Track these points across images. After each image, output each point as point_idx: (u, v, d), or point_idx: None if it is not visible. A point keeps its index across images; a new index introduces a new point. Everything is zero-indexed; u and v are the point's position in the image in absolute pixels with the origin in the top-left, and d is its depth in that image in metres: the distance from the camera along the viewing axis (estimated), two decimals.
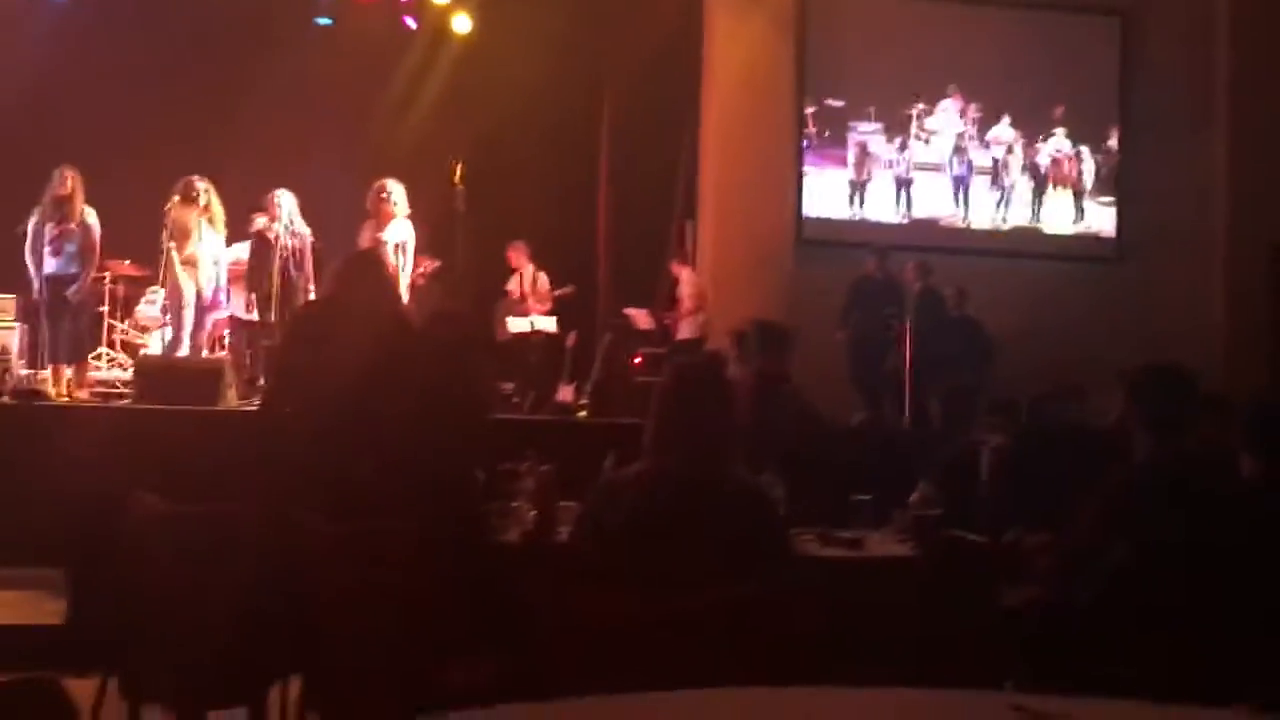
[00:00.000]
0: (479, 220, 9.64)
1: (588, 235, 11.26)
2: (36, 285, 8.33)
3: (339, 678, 3.11)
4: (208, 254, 8.67)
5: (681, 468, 2.82)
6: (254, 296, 8.89)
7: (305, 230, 8.76)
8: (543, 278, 10.29)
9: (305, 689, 3.27)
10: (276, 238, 8.70)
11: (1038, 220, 11.63)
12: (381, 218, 8.45)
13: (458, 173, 9.69)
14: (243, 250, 9.13)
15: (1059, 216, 11.67)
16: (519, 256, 10.33)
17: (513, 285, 10.35)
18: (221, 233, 8.82)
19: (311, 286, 8.70)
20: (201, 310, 8.73)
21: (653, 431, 2.91)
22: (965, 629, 3.11)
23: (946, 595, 3.08)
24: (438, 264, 9.99)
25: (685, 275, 10.50)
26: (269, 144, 11.53)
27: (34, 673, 1.31)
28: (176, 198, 8.73)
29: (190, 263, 8.62)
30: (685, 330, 10.30)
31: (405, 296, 8.49)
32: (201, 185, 8.74)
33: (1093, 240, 11.65)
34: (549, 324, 10.15)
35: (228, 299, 9.13)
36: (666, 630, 2.14)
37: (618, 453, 4.23)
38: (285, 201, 8.74)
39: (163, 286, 9.19)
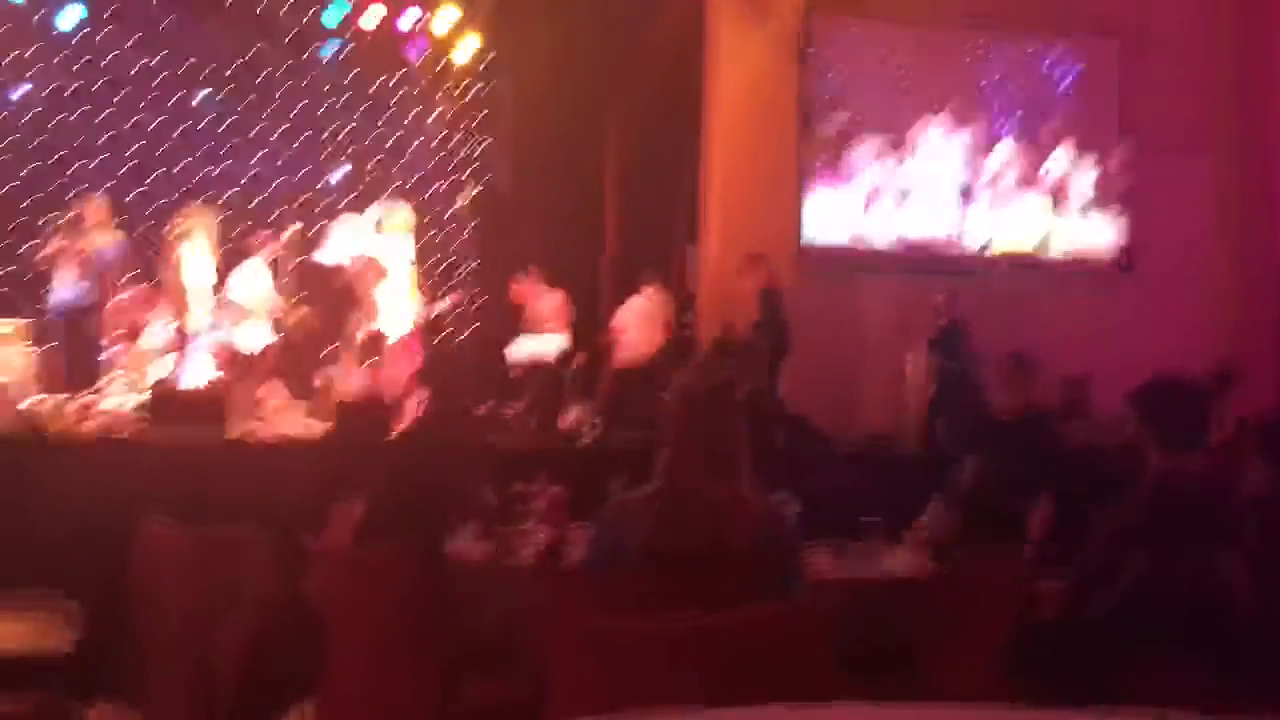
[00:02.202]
0: (487, 248, 9.67)
1: (593, 258, 11.28)
2: (52, 312, 8.36)
3: (351, 700, 3.11)
4: (205, 281, 8.71)
5: (693, 488, 2.82)
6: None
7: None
8: (552, 298, 10.22)
9: (318, 712, 3.26)
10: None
11: (1040, 240, 11.65)
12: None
13: (463, 198, 9.73)
14: (250, 277, 9.15)
15: (1061, 235, 11.69)
16: (527, 289, 10.26)
17: (525, 313, 10.31)
18: (213, 260, 8.86)
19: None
20: (209, 337, 8.77)
21: (666, 452, 2.91)
22: (980, 646, 3.10)
23: (961, 613, 3.07)
24: (447, 304, 9.97)
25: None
26: (274, 172, 11.61)
27: (46, 700, 1.31)
28: (181, 226, 8.79)
29: (197, 289, 8.67)
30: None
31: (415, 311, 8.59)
32: (200, 214, 8.80)
33: (1096, 258, 11.67)
34: (559, 344, 10.12)
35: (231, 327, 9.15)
36: (680, 650, 2.13)
37: (628, 474, 4.24)
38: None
39: (168, 315, 9.23)
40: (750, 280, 9.69)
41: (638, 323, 9.99)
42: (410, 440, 4.35)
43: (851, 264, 10.85)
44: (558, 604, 2.92)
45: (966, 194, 11.55)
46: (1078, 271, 11.46)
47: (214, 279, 8.79)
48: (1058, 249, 11.62)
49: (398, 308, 8.55)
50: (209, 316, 8.91)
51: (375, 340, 8.65)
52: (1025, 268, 11.33)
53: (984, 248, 11.46)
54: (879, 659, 3.18)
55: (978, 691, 3.01)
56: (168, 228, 9.71)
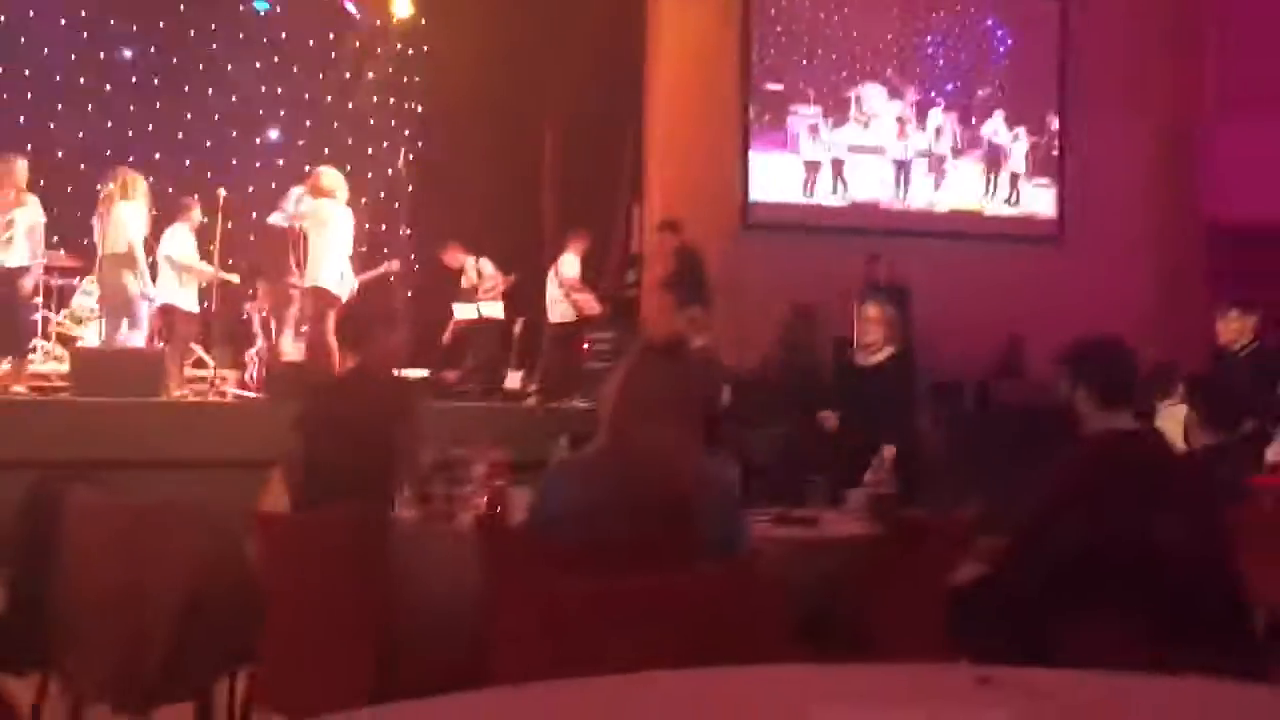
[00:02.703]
0: (425, 211, 9.54)
1: (534, 222, 11.18)
2: None
3: (289, 667, 3.05)
4: (138, 243, 8.48)
5: (635, 449, 2.79)
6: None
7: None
8: (486, 264, 10.17)
9: (253, 681, 3.20)
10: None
11: (977, 202, 11.74)
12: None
13: (401, 160, 9.59)
14: (181, 240, 8.96)
15: (998, 199, 11.80)
16: (454, 257, 10.20)
17: (464, 281, 10.22)
18: (144, 220, 8.61)
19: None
20: (140, 301, 8.56)
21: (608, 413, 2.88)
22: (920, 607, 3.12)
23: (901, 573, 3.08)
24: (394, 266, 9.85)
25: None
26: (207, 132, 11.34)
27: None
28: (111, 187, 8.54)
29: (127, 252, 8.44)
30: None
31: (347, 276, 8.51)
32: (130, 176, 8.56)
33: (1031, 222, 11.80)
34: (496, 310, 10.07)
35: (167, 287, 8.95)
36: (625, 611, 2.11)
37: (569, 437, 4.21)
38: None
39: (98, 278, 9.00)
40: (667, 243, 9.70)
41: (574, 283, 9.94)
42: (342, 399, 4.24)
43: (795, 225, 10.87)
44: (500, 567, 2.88)
45: (904, 156, 11.61)
46: (1014, 235, 11.58)
47: (144, 241, 8.57)
48: (994, 213, 11.73)
49: (334, 273, 8.43)
50: (140, 279, 8.70)
51: (312, 303, 8.51)
52: (962, 232, 11.43)
53: (923, 211, 11.54)
54: (823, 619, 3.19)
55: (920, 649, 3.02)
56: (98, 188, 9.46)
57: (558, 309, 9.95)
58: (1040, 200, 11.86)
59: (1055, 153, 11.82)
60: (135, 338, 8.74)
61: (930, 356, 10.03)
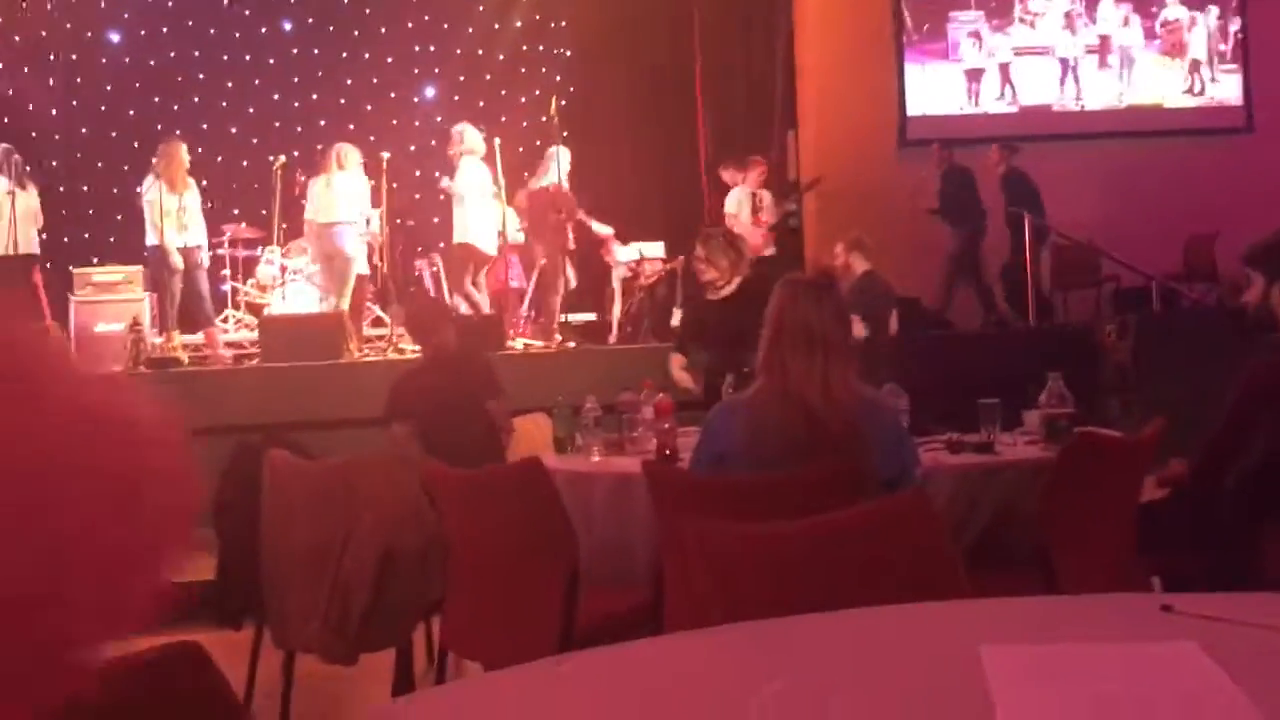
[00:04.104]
0: (578, 155, 9.58)
1: (689, 158, 11.11)
2: (169, 256, 8.56)
3: (477, 615, 3.17)
4: (353, 211, 8.89)
5: (794, 385, 2.77)
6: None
7: None
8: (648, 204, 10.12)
9: (444, 628, 3.35)
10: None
11: (1158, 95, 11.10)
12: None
13: (552, 106, 9.63)
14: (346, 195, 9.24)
15: (1180, 90, 11.12)
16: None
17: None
18: (362, 188, 8.98)
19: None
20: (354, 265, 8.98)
21: (765, 351, 2.87)
22: (1104, 530, 3.02)
23: (1083, 496, 2.98)
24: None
25: None
26: (366, 95, 11.63)
27: (178, 638, 1.34)
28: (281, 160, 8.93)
29: (342, 221, 8.81)
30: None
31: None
32: (345, 148, 8.90)
33: (1218, 112, 11.08)
34: (658, 250, 10.06)
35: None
36: (793, 550, 2.11)
37: (734, 376, 4.21)
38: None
39: (277, 247, 9.46)
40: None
41: (735, 218, 9.84)
42: (439, 379, 4.93)
43: (958, 138, 10.49)
44: (670, 509, 2.92)
45: (1074, 53, 11.04)
46: (1199, 128, 10.91)
47: (319, 208, 8.93)
48: (1177, 105, 11.07)
49: (480, 228, 8.68)
50: (313, 245, 9.08)
51: (460, 259, 8.75)
52: (1143, 129, 10.83)
53: (1100, 111, 10.97)
54: (1001, 547, 3.13)
55: (1105, 575, 2.93)
56: (271, 159, 9.86)
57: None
58: (1226, 88, 11.12)
59: (1240, 36, 11.04)
60: (313, 302, 9.15)
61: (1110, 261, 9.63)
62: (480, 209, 8.80)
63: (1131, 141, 10.60)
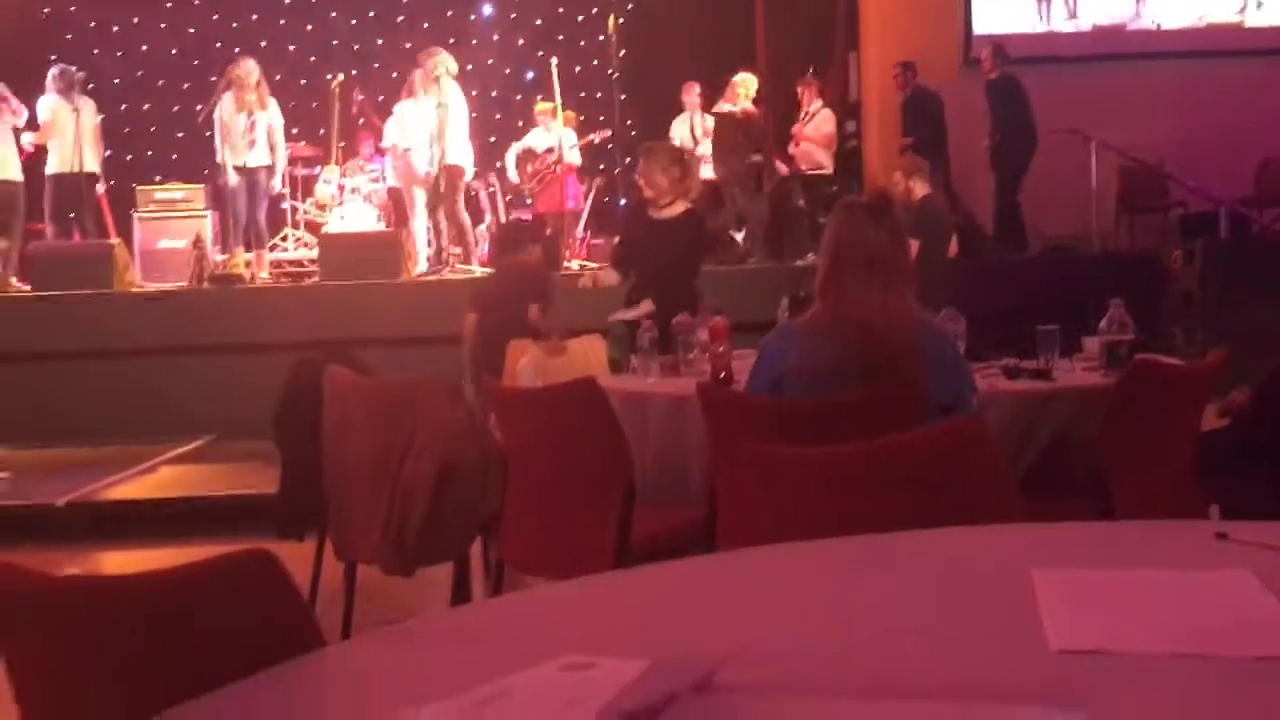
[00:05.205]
0: (638, 77, 9.50)
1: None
2: (230, 176, 8.64)
3: (533, 530, 3.23)
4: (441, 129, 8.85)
5: (854, 310, 2.76)
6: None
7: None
8: (710, 120, 9.95)
9: (501, 542, 3.41)
10: None
11: (1237, 14, 10.72)
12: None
13: (611, 26, 9.53)
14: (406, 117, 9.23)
15: (1262, 7, 10.72)
16: (685, 100, 9.97)
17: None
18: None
19: None
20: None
21: (822, 274, 2.85)
22: (1163, 458, 3.00)
23: (1142, 423, 2.96)
24: (606, 133, 9.93)
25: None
26: (424, 13, 11.56)
27: (249, 545, 1.39)
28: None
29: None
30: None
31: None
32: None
33: None
34: (708, 171, 9.96)
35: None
36: (848, 473, 2.12)
37: (790, 299, 4.20)
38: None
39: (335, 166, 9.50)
40: (898, 86, 9.41)
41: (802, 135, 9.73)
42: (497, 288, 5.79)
43: (1026, 58, 10.22)
44: (724, 432, 2.94)
45: None
46: (1271, 49, 10.53)
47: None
48: (1260, 20, 10.68)
49: (460, 148, 8.65)
50: (371, 165, 9.12)
51: (446, 178, 8.74)
52: (1219, 49, 10.48)
53: (1173, 27, 10.62)
54: (1060, 473, 3.12)
55: (1163, 502, 2.92)
56: (329, 78, 9.86)
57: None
58: None
59: None
60: (371, 221, 9.21)
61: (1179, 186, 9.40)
62: (461, 129, 8.73)
63: (1205, 62, 10.27)
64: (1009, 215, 9.23)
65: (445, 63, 8.61)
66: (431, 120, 8.65)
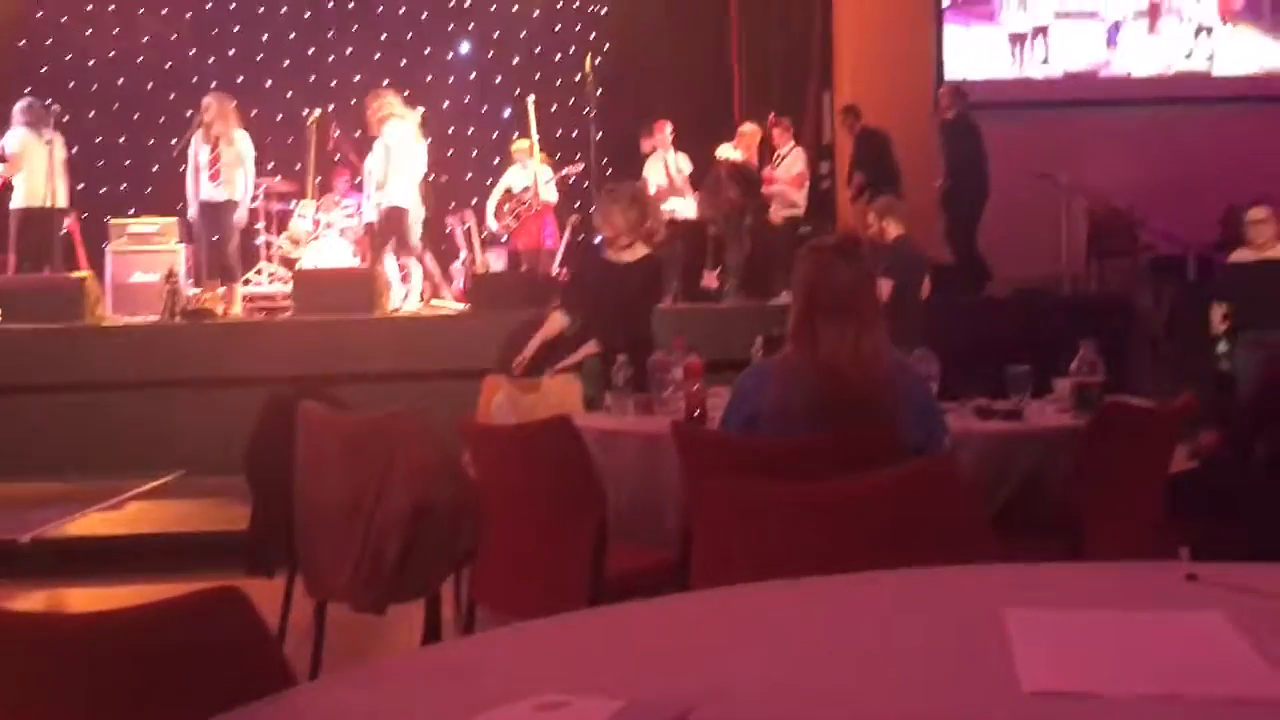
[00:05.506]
0: (613, 114, 9.56)
1: (723, 115, 11.05)
2: (192, 210, 8.64)
3: (506, 568, 3.22)
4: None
5: (826, 352, 2.78)
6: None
7: None
8: (683, 160, 10.02)
9: (474, 580, 3.39)
10: None
11: (1206, 62, 10.92)
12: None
13: (588, 65, 9.60)
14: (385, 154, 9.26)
15: (1230, 57, 10.93)
16: (657, 140, 10.03)
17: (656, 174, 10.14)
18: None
19: None
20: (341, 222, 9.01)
21: (794, 317, 2.87)
22: (1132, 499, 3.02)
23: (1112, 465, 2.98)
24: (577, 168, 9.99)
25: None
26: (401, 51, 11.61)
27: (218, 582, 1.38)
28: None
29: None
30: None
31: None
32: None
33: (1262, 81, 10.90)
34: (689, 209, 10.01)
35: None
36: (822, 513, 2.13)
37: (764, 338, 4.22)
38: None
39: (310, 201, 9.49)
40: (845, 130, 9.55)
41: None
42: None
43: (996, 102, 10.37)
44: (698, 470, 2.94)
45: (1121, 18, 10.87)
46: (1253, 92, 10.71)
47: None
48: (1226, 70, 10.88)
49: (405, 191, 8.68)
50: (346, 201, 9.11)
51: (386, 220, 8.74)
52: (1192, 92, 10.65)
53: (1144, 75, 10.80)
54: (1029, 514, 3.13)
55: (1133, 543, 2.94)
56: (305, 113, 9.88)
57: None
58: (1273, 56, 10.92)
59: None
60: (346, 257, 9.19)
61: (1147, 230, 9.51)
62: (409, 171, 8.76)
63: (1174, 109, 10.45)
64: (965, 257, 9.28)
65: (391, 105, 8.63)
66: (379, 164, 8.67)
